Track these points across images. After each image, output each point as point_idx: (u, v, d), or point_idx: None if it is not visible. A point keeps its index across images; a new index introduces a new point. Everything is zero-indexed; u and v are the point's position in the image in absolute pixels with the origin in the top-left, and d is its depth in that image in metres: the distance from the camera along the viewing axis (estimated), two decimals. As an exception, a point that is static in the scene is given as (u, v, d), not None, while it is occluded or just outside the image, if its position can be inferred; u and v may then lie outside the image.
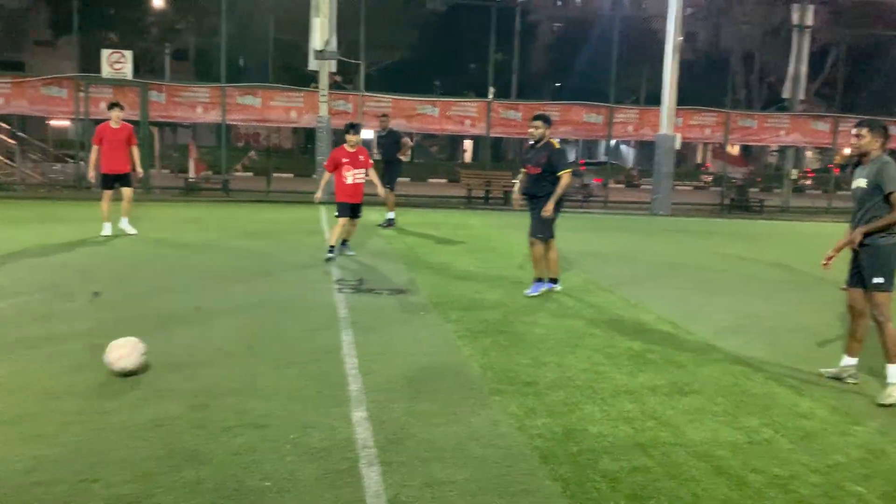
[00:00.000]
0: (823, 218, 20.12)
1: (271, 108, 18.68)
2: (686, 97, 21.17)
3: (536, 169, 7.66)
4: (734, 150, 38.14)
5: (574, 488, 3.48)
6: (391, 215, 13.02)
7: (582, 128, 20.37)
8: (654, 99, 19.85)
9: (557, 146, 7.73)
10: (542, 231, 7.73)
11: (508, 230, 13.48)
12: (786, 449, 4.08)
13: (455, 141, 47.40)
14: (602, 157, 39.39)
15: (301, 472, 3.54)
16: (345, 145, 9.60)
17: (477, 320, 6.59)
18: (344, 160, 9.52)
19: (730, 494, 3.50)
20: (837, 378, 5.40)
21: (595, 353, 5.76)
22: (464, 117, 19.48)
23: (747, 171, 23.40)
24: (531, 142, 7.93)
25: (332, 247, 9.44)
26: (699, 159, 50.44)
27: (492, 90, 19.73)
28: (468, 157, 49.25)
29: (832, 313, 7.56)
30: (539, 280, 7.90)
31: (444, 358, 5.44)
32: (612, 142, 42.00)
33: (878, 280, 5.08)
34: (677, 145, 18.95)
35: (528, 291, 7.80)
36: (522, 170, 7.99)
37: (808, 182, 31.43)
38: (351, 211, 9.62)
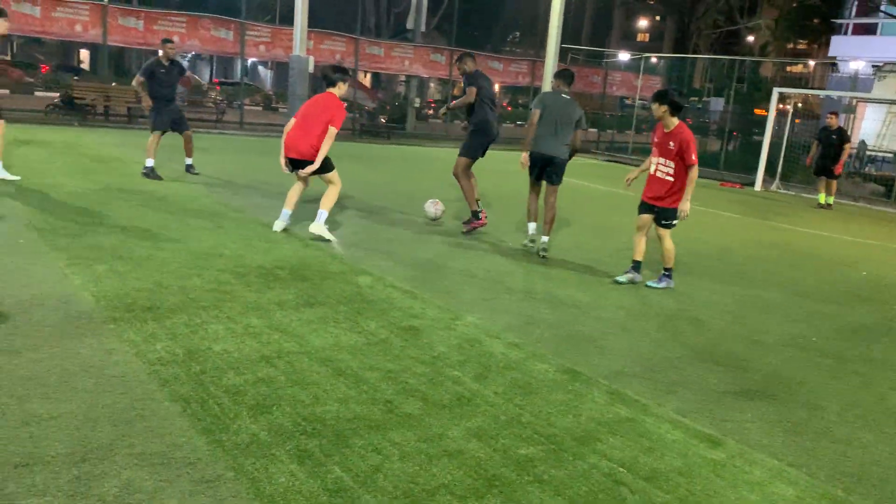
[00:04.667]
0: (442, 144, 22.14)
1: None
2: (319, 20, 21.30)
3: None
4: (366, 80, 39.66)
5: (195, 407, 3.41)
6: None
7: (211, 43, 19.34)
8: (288, 19, 19.62)
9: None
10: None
11: (127, 149, 12.39)
12: (399, 346, 4.48)
13: (66, 48, 41.67)
14: (238, 78, 38.02)
15: None
16: None
17: (90, 246, 5.99)
18: None
19: (348, 392, 3.74)
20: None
21: (223, 273, 5.65)
22: (74, 20, 17.14)
23: (375, 98, 24.58)
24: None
25: None
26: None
27: (107, -7, 17.62)
28: (85, 67, 43.77)
29: (438, 229, 8.44)
30: None
31: (49, 289, 4.86)
32: (250, 62, 40.73)
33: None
34: (311, 68, 19.07)
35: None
36: None
37: (430, 112, 34.23)
38: None
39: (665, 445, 3.54)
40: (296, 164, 7.12)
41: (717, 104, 26.84)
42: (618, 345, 4.97)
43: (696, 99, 29.59)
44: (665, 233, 6.65)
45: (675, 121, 6.39)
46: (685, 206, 6.39)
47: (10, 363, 3.67)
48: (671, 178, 6.43)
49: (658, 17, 49.36)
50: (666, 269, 6.73)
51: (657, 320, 5.65)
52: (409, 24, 23.77)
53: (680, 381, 4.43)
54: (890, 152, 17.75)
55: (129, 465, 2.87)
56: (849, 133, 14.73)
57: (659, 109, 6.41)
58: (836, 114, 14.59)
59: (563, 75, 7.65)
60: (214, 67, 48.50)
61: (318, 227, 7.21)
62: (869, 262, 8.95)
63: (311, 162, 7.02)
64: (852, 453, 3.69)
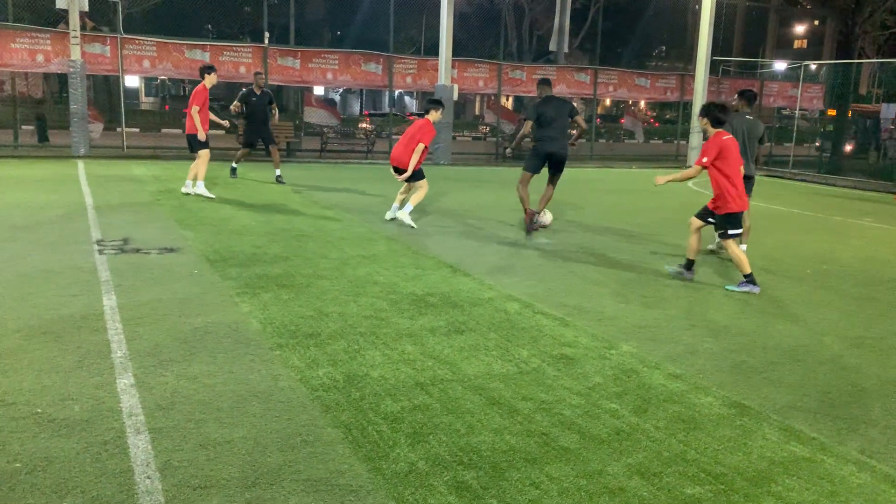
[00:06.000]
0: (587, 164, 21.82)
1: (13, 51, 16.44)
2: (463, 48, 21.73)
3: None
4: (508, 103, 39.92)
5: (356, 433, 3.50)
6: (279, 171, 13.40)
7: (362, 77, 20.21)
8: (432, 50, 20.14)
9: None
10: None
11: (286, 183, 13.14)
12: (552, 376, 4.39)
13: (231, 89, 45.08)
14: (386, 108, 39.46)
15: (58, 448, 3.22)
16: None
17: (256, 276, 6.37)
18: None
19: (502, 422, 3.70)
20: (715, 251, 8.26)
21: (378, 300, 5.81)
22: (238, 63, 18.48)
23: (518, 123, 24.61)
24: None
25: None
26: (477, 111, 52.35)
27: (267, 35, 18.88)
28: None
29: (587, 252, 8.26)
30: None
31: (221, 316, 5.20)
32: (397, 92, 42.27)
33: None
34: (455, 96, 19.45)
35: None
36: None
37: (574, 132, 33.93)
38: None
39: (850, 490, 3.22)
40: (397, 171, 9.32)
41: (890, 110, 24.69)
42: (789, 376, 4.61)
43: (865, 106, 27.35)
44: (727, 243, 6.83)
45: (713, 131, 6.74)
46: (660, 178, 6.92)
47: (189, 388, 3.93)
48: (715, 186, 6.74)
49: (816, 22, 46.38)
50: (745, 276, 6.77)
51: (832, 350, 5.21)
52: (552, 46, 23.70)
53: (863, 417, 4.04)
54: None
55: (296, 490, 2.98)
56: None
57: (702, 122, 6.89)
58: None
59: (746, 96, 8.27)
60: (364, 100, 50.67)
61: (403, 214, 9.24)
62: None
63: (402, 169, 9.21)
64: None
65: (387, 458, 3.27)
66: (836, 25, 30.62)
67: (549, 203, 9.66)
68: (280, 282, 6.18)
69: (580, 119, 9.54)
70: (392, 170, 9.44)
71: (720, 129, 6.72)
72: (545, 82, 9.66)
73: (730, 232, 6.79)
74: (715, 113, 6.74)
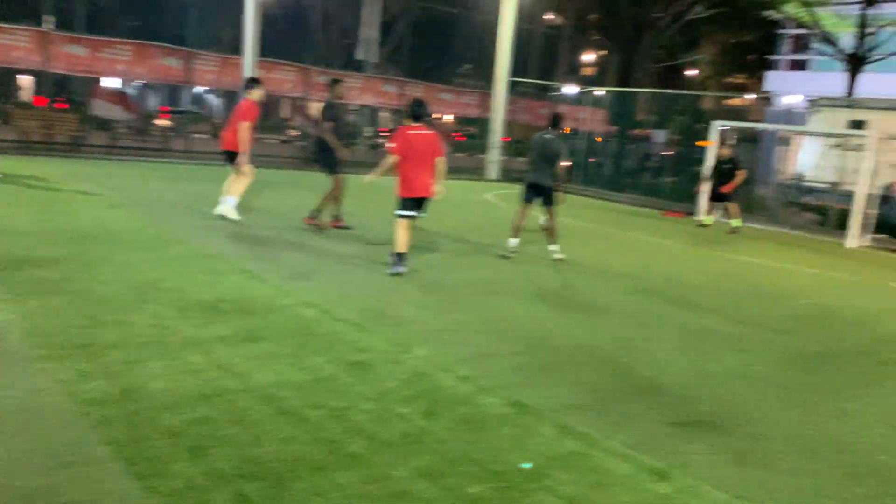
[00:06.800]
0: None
1: None
2: (270, 50, 21.18)
3: None
4: (317, 107, 39.36)
5: (129, 450, 3.25)
6: None
7: (159, 71, 19.07)
8: (238, 48, 19.45)
9: None
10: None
11: (68, 178, 12.07)
12: (345, 382, 4.37)
13: (6, 75, 40.52)
14: (186, 106, 37.49)
15: None
16: None
17: (24, 280, 5.76)
18: None
19: (291, 432, 3.62)
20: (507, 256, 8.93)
21: (164, 307, 5.47)
22: (14, 47, 16.70)
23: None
24: None
25: None
26: (285, 113, 51.19)
27: (51, 19, 17.24)
28: (26, 95, 42.55)
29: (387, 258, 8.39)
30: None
31: (-24, 324, 4.64)
32: (199, 90, 40.22)
33: None
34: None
35: None
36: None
37: (381, 140, 34.31)
38: None
39: (614, 480, 3.51)
40: (228, 156, 9.33)
41: (660, 136, 27.44)
42: (567, 376, 4.94)
43: (639, 131, 30.16)
44: (398, 223, 7.52)
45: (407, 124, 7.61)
46: (368, 177, 7.70)
47: (-71, 407, 3.46)
48: (398, 172, 7.49)
49: (602, 52, 50.59)
50: (397, 255, 7.49)
51: (606, 351, 5.66)
52: (359, 55, 23.84)
53: (629, 412, 4.42)
54: (826, 183, 18.37)
55: (53, 515, 2.71)
56: (741, 161, 15.56)
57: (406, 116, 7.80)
58: (726, 144, 15.88)
59: (550, 118, 9.38)
60: (163, 95, 47.79)
61: (225, 209, 9.28)
62: (811, 291, 9.16)
63: (236, 153, 9.21)
64: (798, 483, 3.71)
65: (163, 475, 3.07)
66: (618, 57, 33.65)
67: (342, 205, 9.86)
68: (51, 287, 5.63)
69: (325, 126, 9.69)
70: (225, 156, 9.41)
71: (413, 124, 7.51)
72: (330, 82, 10.16)
73: (398, 212, 7.49)
74: (411, 108, 7.71)
